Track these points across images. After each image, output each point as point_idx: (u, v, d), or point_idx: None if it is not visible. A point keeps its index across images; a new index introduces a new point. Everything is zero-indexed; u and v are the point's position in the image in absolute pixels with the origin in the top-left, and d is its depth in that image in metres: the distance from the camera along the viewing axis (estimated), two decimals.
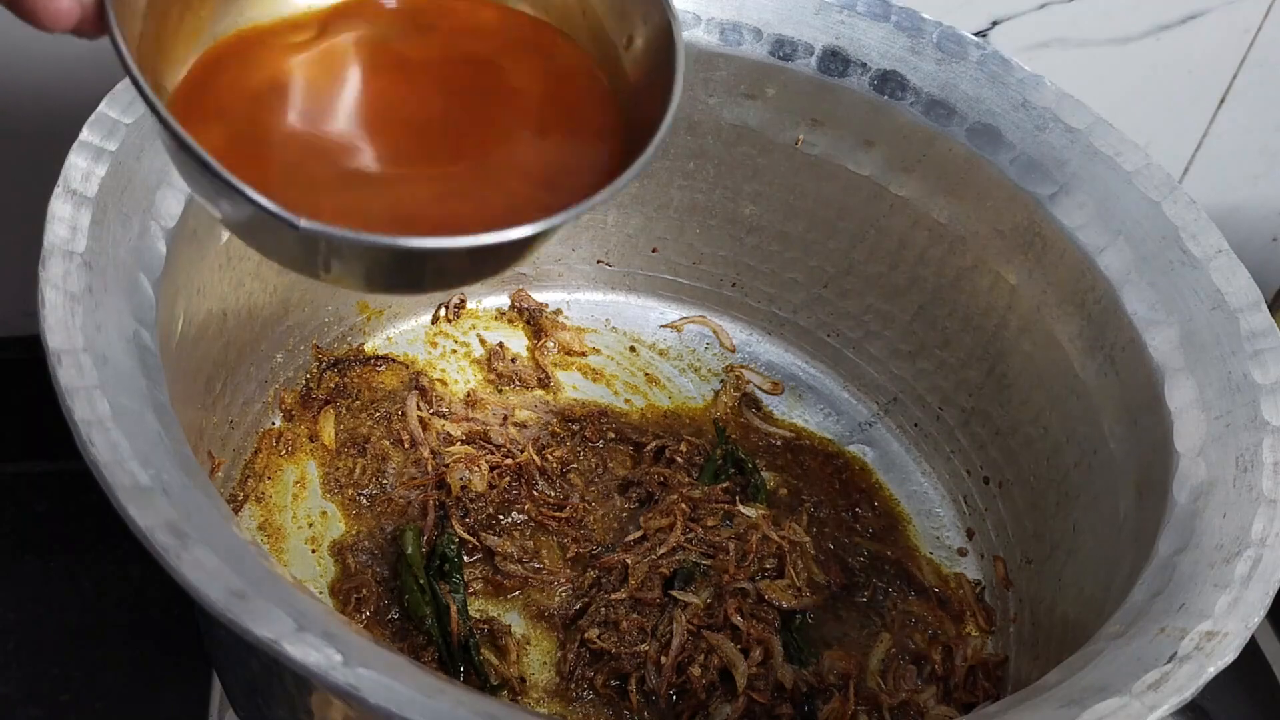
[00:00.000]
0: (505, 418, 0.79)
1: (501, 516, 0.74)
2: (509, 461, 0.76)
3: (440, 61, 0.48)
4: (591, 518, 0.76)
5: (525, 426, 0.80)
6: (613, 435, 0.80)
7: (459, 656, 0.67)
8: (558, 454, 0.78)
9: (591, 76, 0.48)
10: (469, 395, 0.80)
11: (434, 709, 0.43)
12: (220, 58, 0.46)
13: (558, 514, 0.75)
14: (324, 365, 0.79)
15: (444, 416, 0.78)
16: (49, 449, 0.83)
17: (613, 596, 0.70)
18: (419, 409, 0.78)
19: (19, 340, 0.86)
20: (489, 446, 0.77)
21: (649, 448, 0.79)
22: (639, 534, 0.74)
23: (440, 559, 0.71)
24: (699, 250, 0.86)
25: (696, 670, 0.68)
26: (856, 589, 0.75)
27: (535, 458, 0.77)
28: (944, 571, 0.78)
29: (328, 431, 0.76)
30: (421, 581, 0.69)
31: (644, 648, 0.68)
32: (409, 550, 0.70)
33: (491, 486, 0.75)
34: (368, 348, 0.82)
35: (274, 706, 0.57)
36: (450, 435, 0.77)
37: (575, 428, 0.80)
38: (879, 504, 0.81)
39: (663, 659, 0.68)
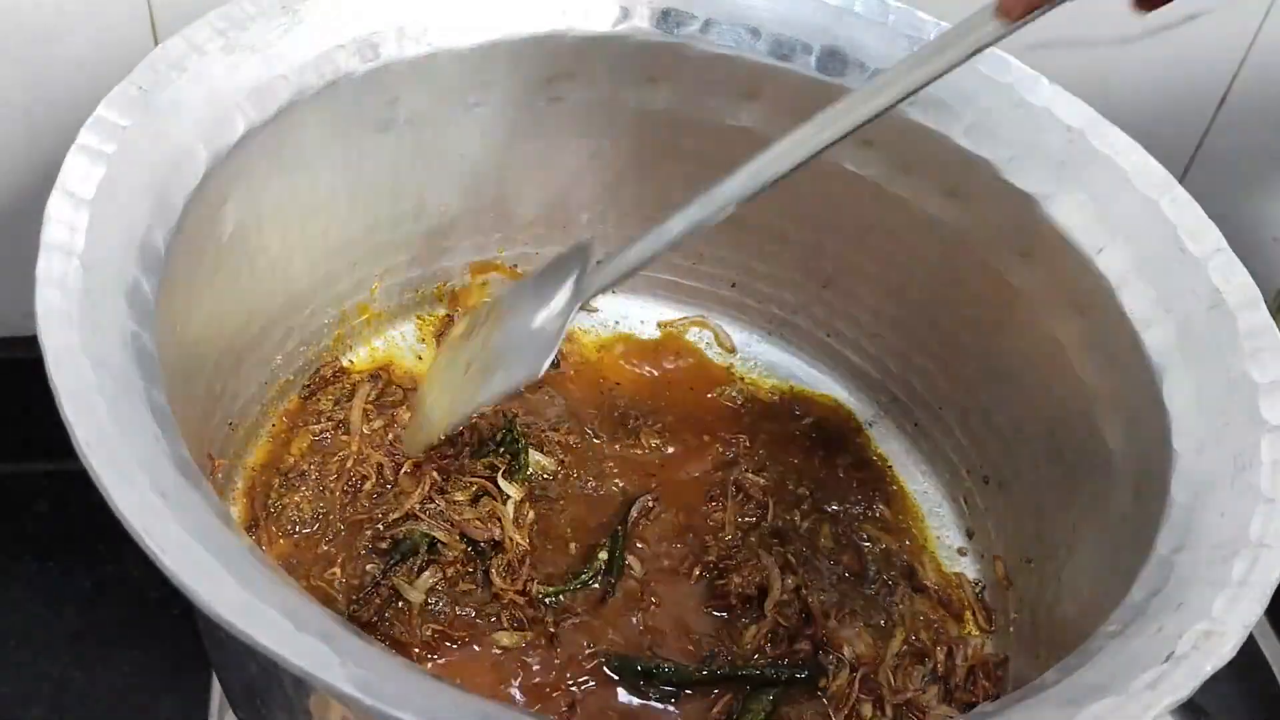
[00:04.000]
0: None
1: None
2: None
3: None
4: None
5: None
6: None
7: None
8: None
9: None
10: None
11: (431, 709, 0.43)
12: None
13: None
14: (324, 367, 0.79)
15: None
16: (49, 449, 0.83)
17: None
18: (367, 400, 0.77)
19: (19, 340, 0.85)
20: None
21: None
22: None
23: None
24: (699, 250, 0.86)
25: (738, 579, 0.72)
26: (867, 581, 0.75)
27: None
28: (944, 571, 0.78)
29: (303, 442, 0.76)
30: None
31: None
32: None
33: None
34: (367, 349, 0.82)
35: (273, 708, 0.57)
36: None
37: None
38: (894, 500, 0.82)
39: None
